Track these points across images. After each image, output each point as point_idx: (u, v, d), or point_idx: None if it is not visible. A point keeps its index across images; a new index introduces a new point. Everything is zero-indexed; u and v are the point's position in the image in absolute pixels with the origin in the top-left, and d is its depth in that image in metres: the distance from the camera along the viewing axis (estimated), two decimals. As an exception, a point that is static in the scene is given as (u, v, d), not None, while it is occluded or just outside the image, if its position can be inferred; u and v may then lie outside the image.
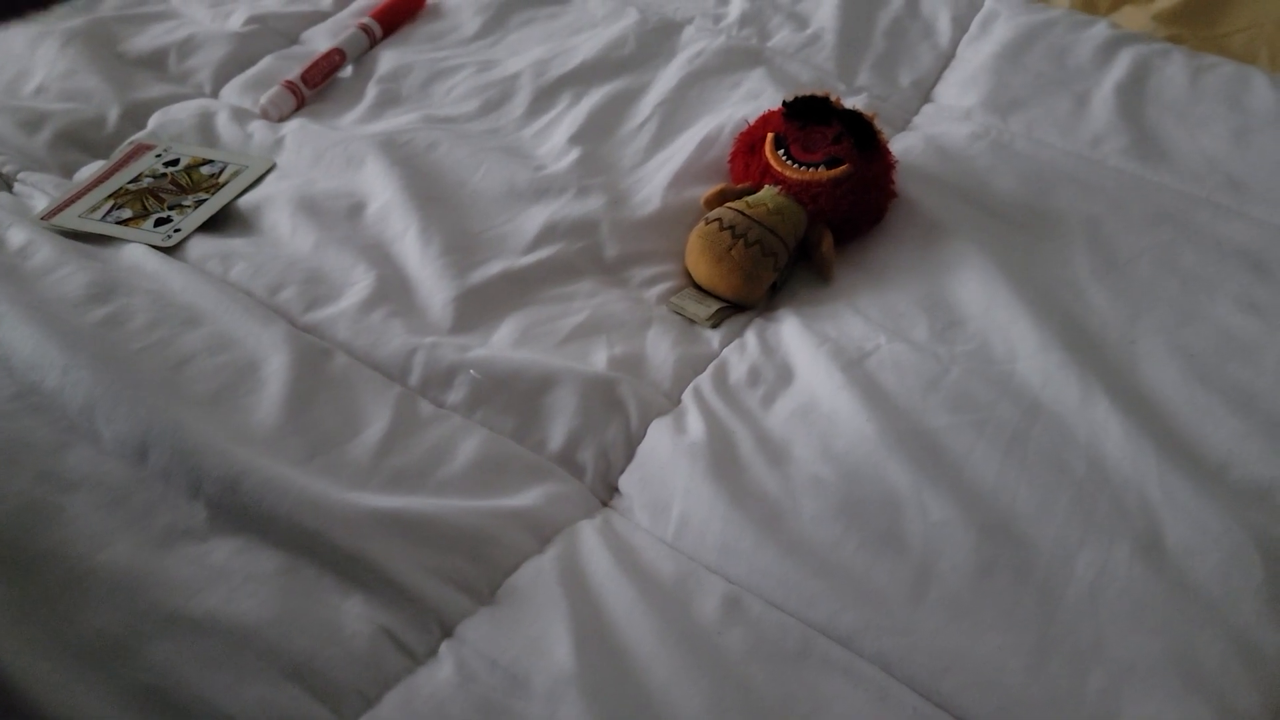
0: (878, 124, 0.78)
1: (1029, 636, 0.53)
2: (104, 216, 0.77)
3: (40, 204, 0.77)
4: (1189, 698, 0.51)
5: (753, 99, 0.89)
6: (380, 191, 0.78)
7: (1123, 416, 0.63)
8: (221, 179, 0.82)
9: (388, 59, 0.96)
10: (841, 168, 0.75)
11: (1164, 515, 0.59)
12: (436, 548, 0.55)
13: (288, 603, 0.51)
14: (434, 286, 0.71)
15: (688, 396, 0.66)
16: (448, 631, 0.53)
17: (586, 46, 0.96)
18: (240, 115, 0.89)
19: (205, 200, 0.79)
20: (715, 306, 0.72)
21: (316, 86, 0.93)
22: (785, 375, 0.68)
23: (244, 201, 0.79)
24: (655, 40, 0.97)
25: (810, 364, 0.68)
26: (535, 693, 0.49)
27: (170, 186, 0.81)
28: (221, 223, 0.77)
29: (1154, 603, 0.55)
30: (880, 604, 0.55)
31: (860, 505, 0.59)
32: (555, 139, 0.85)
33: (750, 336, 0.71)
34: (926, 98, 0.95)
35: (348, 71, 0.96)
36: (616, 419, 0.64)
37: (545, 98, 0.90)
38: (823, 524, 0.58)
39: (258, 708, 0.47)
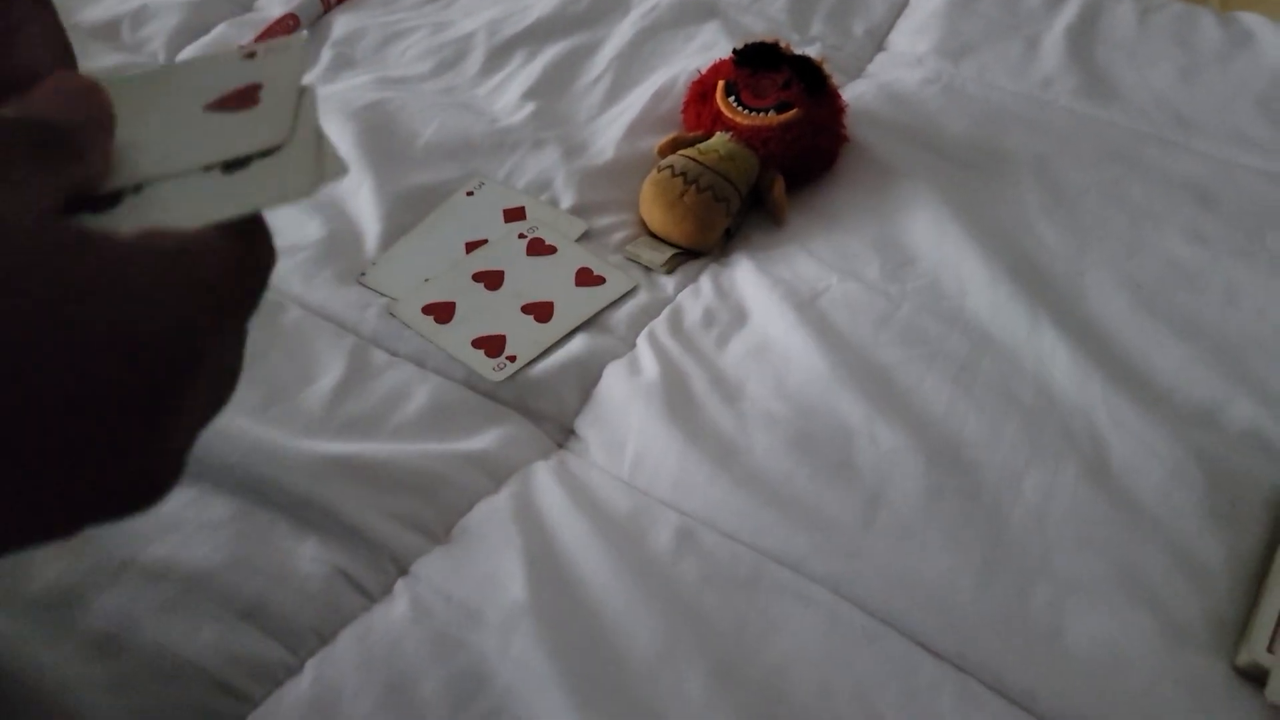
0: (827, 69, 0.78)
1: (976, 556, 0.54)
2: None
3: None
4: (1131, 609, 0.52)
5: (706, 51, 0.89)
6: (333, 150, 0.78)
7: (1070, 345, 0.64)
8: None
9: (342, 23, 0.96)
10: (791, 112, 0.75)
11: (1110, 438, 0.60)
12: (391, 490, 0.56)
13: (241, 548, 0.52)
14: (388, 239, 0.71)
15: (642, 340, 0.67)
16: (403, 570, 0.53)
17: (540, 4, 0.96)
18: (193, 81, 0.88)
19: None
20: (670, 253, 0.73)
21: (270, 52, 0.93)
22: (739, 317, 0.68)
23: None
24: (609, -4, 0.97)
25: (764, 305, 0.68)
26: (489, 624, 0.50)
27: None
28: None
29: (1099, 521, 0.56)
30: (831, 530, 0.55)
31: (812, 438, 0.60)
32: (510, 95, 0.86)
33: (705, 281, 0.71)
34: (880, 46, 0.95)
35: (302, 36, 0.95)
36: (571, 363, 0.65)
37: (499, 56, 0.90)
38: (775, 457, 0.59)
39: (213, 649, 0.48)
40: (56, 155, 0.25)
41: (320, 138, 0.27)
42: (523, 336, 0.66)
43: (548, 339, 0.66)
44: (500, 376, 0.63)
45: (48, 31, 0.31)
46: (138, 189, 0.27)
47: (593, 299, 0.69)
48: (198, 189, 0.27)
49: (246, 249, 0.26)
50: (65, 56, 0.31)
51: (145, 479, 0.25)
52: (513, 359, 0.64)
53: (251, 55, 0.30)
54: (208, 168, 0.27)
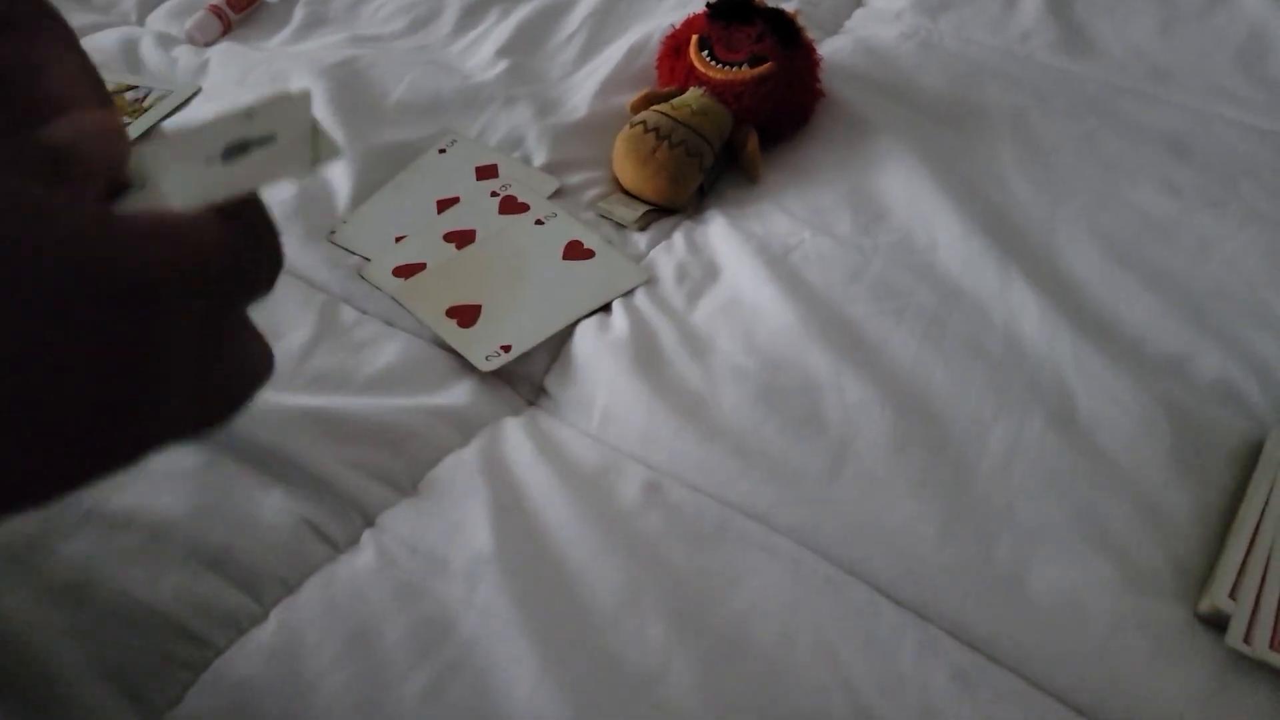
0: (801, 22, 0.77)
1: (941, 506, 0.54)
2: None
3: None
4: (1095, 557, 0.52)
5: (682, 8, 0.88)
6: (305, 108, 0.77)
7: (1040, 298, 0.64)
8: (146, 104, 0.81)
9: (315, -19, 0.95)
10: (765, 65, 0.74)
11: (1077, 389, 0.60)
12: (358, 443, 0.56)
13: (207, 497, 0.52)
14: (359, 197, 0.71)
15: (613, 296, 0.67)
16: (369, 521, 0.53)
17: (516, -38, 0.95)
18: (165, 41, 0.88)
19: (129, 124, 0.78)
20: (642, 210, 0.72)
21: (243, 11, 0.92)
22: (711, 273, 0.68)
23: (168, 125, 0.78)
24: (585, -46, 0.96)
25: (735, 261, 0.68)
26: (454, 573, 0.50)
27: (92, 111, 0.80)
28: (144, 144, 0.76)
29: (1064, 471, 0.56)
30: (796, 481, 0.55)
31: (780, 391, 0.60)
32: (483, 53, 0.85)
33: (678, 238, 0.71)
34: (858, 2, 0.94)
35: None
36: (542, 320, 0.65)
37: (473, 14, 0.90)
38: (742, 410, 0.59)
39: (175, 596, 0.48)
40: (66, 172, 0.26)
41: (315, 127, 0.28)
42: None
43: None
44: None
45: (78, 71, 0.31)
46: (141, 184, 0.28)
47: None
48: (197, 177, 0.27)
49: (246, 239, 0.27)
50: (97, 94, 0.31)
51: (103, 453, 0.24)
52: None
53: (251, 115, 0.31)
54: (209, 160, 0.28)
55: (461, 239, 0.69)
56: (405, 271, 0.66)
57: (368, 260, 0.67)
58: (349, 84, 0.79)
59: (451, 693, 0.46)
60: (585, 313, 0.65)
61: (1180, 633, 0.50)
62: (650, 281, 0.67)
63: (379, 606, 0.49)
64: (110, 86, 0.82)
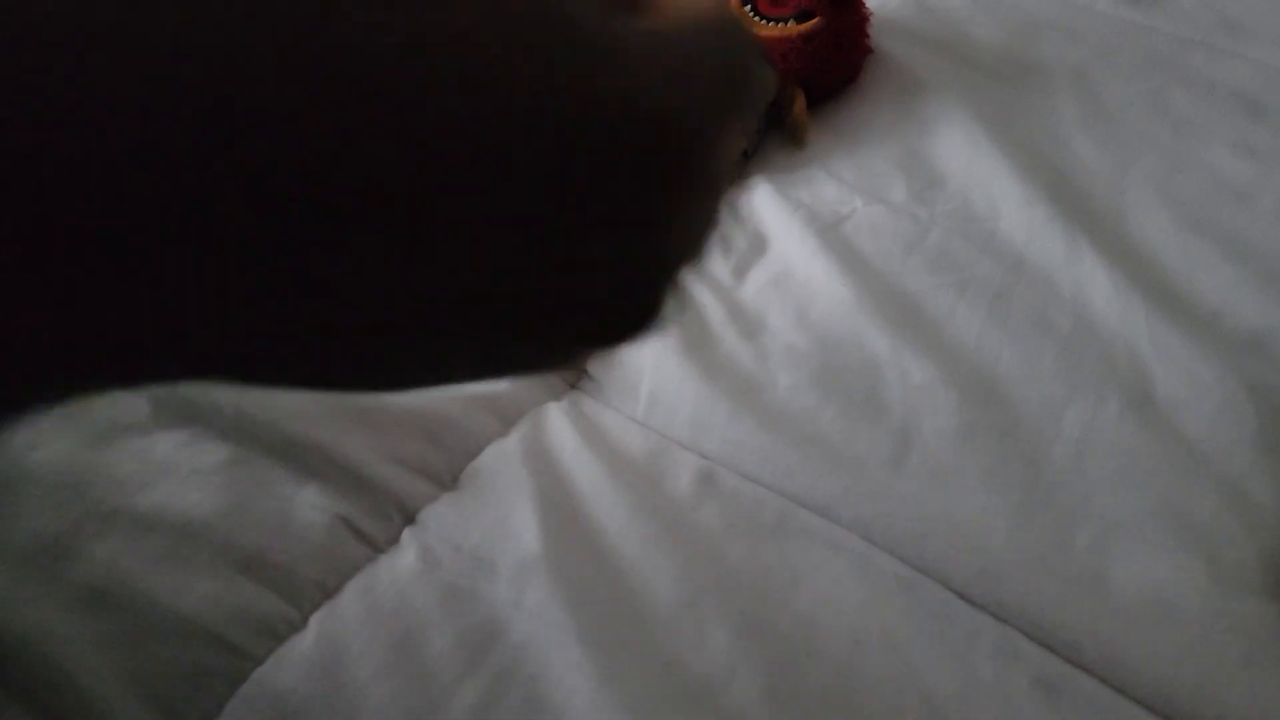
0: (850, -27, 0.73)
1: (1013, 497, 0.51)
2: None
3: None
4: (1180, 551, 0.49)
5: (718, -43, 0.84)
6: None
7: (1110, 269, 0.60)
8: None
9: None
10: (812, 21, 0.70)
11: (1154, 368, 0.56)
12: (395, 434, 0.53)
13: (237, 495, 0.49)
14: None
15: (656, 270, 0.63)
16: (409, 518, 0.50)
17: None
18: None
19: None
20: (683, 176, 0.68)
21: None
22: (758, 244, 0.64)
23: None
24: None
25: (784, 231, 0.64)
26: (502, 575, 0.47)
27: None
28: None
29: (1144, 457, 0.53)
30: (859, 471, 0.52)
31: (838, 372, 0.56)
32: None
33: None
34: (904, -50, 0.89)
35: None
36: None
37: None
38: (799, 394, 0.56)
39: (208, 603, 0.45)
40: None
41: None
42: None
43: None
44: None
45: None
46: None
47: None
48: None
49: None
50: None
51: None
52: None
53: None
54: None
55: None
56: None
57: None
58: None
59: (504, 704, 0.43)
60: None
61: (1274, 634, 0.47)
62: None
63: (424, 612, 0.46)
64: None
